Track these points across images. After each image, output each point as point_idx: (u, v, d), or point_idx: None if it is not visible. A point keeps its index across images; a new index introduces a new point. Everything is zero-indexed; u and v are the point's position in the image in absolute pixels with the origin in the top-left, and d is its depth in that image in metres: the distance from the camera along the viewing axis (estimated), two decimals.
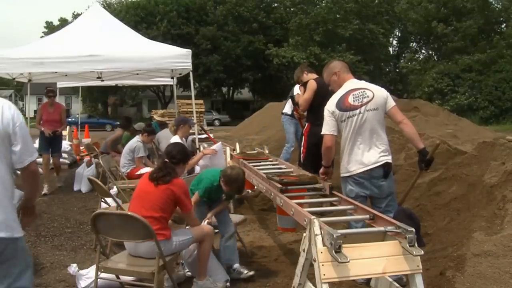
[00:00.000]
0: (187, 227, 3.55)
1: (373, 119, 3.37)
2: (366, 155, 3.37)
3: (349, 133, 3.41)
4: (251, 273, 3.75)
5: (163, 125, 8.96)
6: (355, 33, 30.42)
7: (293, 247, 4.46)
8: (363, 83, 3.52)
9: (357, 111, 3.37)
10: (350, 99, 3.40)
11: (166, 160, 3.34)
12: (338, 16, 31.27)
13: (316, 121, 4.88)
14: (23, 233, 2.21)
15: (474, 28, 28.35)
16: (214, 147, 5.74)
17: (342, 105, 3.42)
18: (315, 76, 4.96)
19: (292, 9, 35.55)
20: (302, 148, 4.97)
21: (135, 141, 6.52)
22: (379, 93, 3.42)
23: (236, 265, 3.76)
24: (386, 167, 3.38)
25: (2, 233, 2.07)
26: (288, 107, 6.85)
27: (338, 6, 31.12)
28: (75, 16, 38.28)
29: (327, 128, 3.51)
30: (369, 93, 3.39)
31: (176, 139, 5.68)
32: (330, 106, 3.51)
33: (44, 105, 7.57)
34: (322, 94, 4.78)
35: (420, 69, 30.39)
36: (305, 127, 5.04)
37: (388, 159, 3.40)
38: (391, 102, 3.42)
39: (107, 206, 4.75)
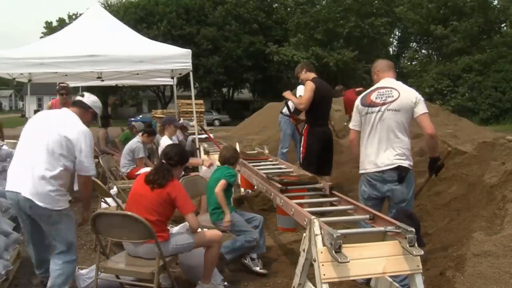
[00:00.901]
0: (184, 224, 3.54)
1: (392, 119, 3.28)
2: (380, 156, 3.30)
3: (367, 129, 3.38)
4: (265, 271, 3.89)
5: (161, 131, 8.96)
6: (354, 31, 30.42)
7: (293, 247, 4.46)
8: (395, 83, 3.41)
9: (377, 108, 3.31)
10: (373, 96, 3.37)
11: (163, 161, 3.30)
12: (337, 15, 31.26)
13: (315, 121, 4.88)
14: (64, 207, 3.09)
15: (475, 27, 28.30)
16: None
17: (364, 101, 3.41)
18: (313, 75, 4.94)
19: (290, 9, 35.59)
20: (301, 148, 4.96)
21: (135, 142, 6.51)
22: (406, 95, 3.30)
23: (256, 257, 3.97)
24: (400, 170, 3.26)
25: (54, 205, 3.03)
26: (285, 108, 6.85)
27: (337, 4, 31.14)
28: (70, 16, 38.34)
29: (352, 123, 3.54)
30: (395, 94, 3.30)
31: (165, 140, 5.73)
32: (357, 100, 3.51)
33: (54, 103, 6.64)
34: (321, 94, 4.78)
35: (420, 70, 30.37)
36: (304, 128, 5.02)
37: (403, 162, 3.26)
38: (421, 109, 3.25)
39: (107, 206, 4.75)
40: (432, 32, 29.53)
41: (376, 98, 3.35)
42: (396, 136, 3.29)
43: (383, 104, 3.30)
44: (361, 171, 3.46)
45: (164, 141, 5.76)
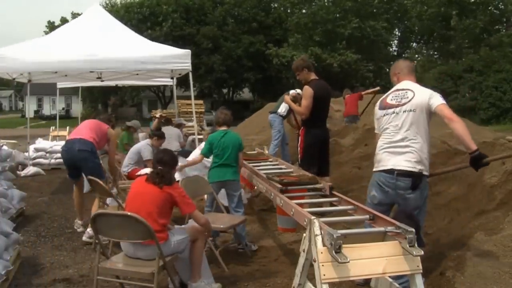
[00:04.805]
0: (182, 225, 3.55)
1: (407, 121, 3.13)
2: (392, 159, 3.13)
3: (384, 131, 3.24)
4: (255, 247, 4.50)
5: (167, 121, 8.91)
6: (355, 32, 30.39)
7: (293, 247, 4.46)
8: (411, 85, 3.26)
9: (391, 110, 3.19)
10: (389, 99, 3.26)
11: (159, 167, 3.27)
12: (337, 16, 31.23)
13: (312, 123, 4.86)
14: None
15: (479, 25, 28.22)
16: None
17: (381, 104, 3.32)
18: (312, 76, 4.89)
19: (288, 9, 35.62)
20: (299, 149, 4.96)
21: (145, 144, 6.53)
22: (420, 94, 3.15)
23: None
24: (414, 177, 3.07)
25: None
26: (283, 109, 7.07)
27: (336, 5, 31.13)
28: (74, 15, 38.27)
29: (375, 127, 3.41)
30: (410, 94, 3.17)
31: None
32: (376, 104, 3.43)
33: None
34: (319, 97, 4.77)
35: (423, 69, 30.33)
36: (301, 129, 5.01)
37: (416, 168, 3.06)
38: (437, 101, 3.06)
39: (107, 206, 4.75)
40: (437, 29, 29.34)
41: (391, 100, 3.24)
42: (410, 139, 3.12)
43: (398, 105, 3.18)
44: (374, 170, 3.31)
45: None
